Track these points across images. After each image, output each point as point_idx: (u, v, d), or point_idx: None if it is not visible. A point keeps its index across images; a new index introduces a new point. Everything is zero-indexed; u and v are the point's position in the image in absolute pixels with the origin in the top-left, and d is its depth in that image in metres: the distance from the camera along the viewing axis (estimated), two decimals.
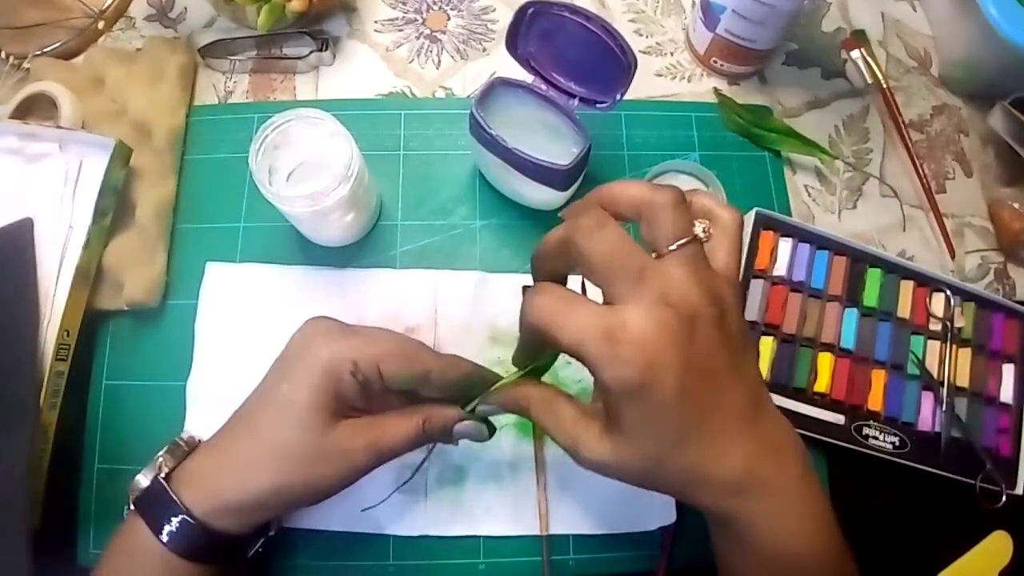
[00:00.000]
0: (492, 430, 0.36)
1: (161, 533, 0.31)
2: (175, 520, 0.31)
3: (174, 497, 0.31)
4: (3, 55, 0.51)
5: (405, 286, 0.46)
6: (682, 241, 0.27)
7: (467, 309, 0.45)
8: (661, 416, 0.27)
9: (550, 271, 0.31)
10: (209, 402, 0.42)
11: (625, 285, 0.26)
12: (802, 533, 0.30)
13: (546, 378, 0.43)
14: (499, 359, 0.44)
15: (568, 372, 0.44)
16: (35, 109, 0.48)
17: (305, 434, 0.32)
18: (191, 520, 0.31)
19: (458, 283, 0.46)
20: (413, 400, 0.35)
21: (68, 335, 0.41)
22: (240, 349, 0.43)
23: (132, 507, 0.32)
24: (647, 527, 0.42)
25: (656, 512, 0.42)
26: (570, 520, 0.42)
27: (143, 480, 0.33)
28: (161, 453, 0.34)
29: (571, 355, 0.27)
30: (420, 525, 0.41)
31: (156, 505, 0.32)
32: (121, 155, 0.45)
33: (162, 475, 0.33)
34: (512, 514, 0.41)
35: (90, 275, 0.43)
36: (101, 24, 0.53)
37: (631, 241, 0.27)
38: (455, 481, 0.42)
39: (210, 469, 0.33)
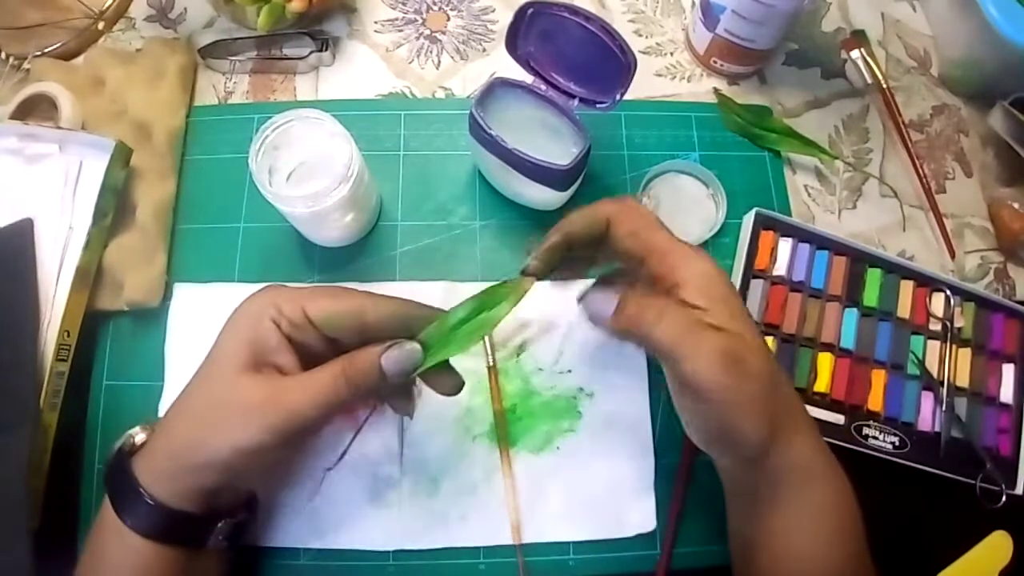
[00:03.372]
0: (460, 382, 0.34)
1: (117, 506, 0.31)
2: (127, 492, 0.31)
3: (128, 469, 0.31)
4: (3, 56, 0.51)
5: None
6: None
7: None
8: (738, 303, 0.31)
9: (575, 234, 0.33)
10: None
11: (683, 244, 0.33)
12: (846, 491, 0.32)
13: (518, 383, 0.44)
14: (471, 368, 0.42)
15: (540, 379, 0.44)
16: (35, 110, 0.48)
17: (212, 386, 0.31)
18: (141, 492, 0.31)
19: (425, 294, 0.45)
20: None
21: (68, 335, 0.41)
22: None
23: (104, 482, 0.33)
24: (624, 534, 0.42)
25: (634, 518, 0.42)
26: (546, 527, 0.41)
27: (111, 451, 0.34)
28: (134, 429, 0.34)
29: (652, 253, 0.32)
30: (394, 539, 0.41)
31: (116, 478, 0.32)
32: (121, 156, 0.45)
33: (127, 449, 0.33)
34: (488, 523, 0.41)
35: (90, 275, 0.43)
36: (101, 25, 0.53)
37: None
38: (430, 493, 0.42)
39: (152, 439, 0.33)
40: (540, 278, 0.33)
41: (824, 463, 0.32)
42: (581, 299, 0.34)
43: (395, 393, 0.36)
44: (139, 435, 0.34)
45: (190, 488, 0.31)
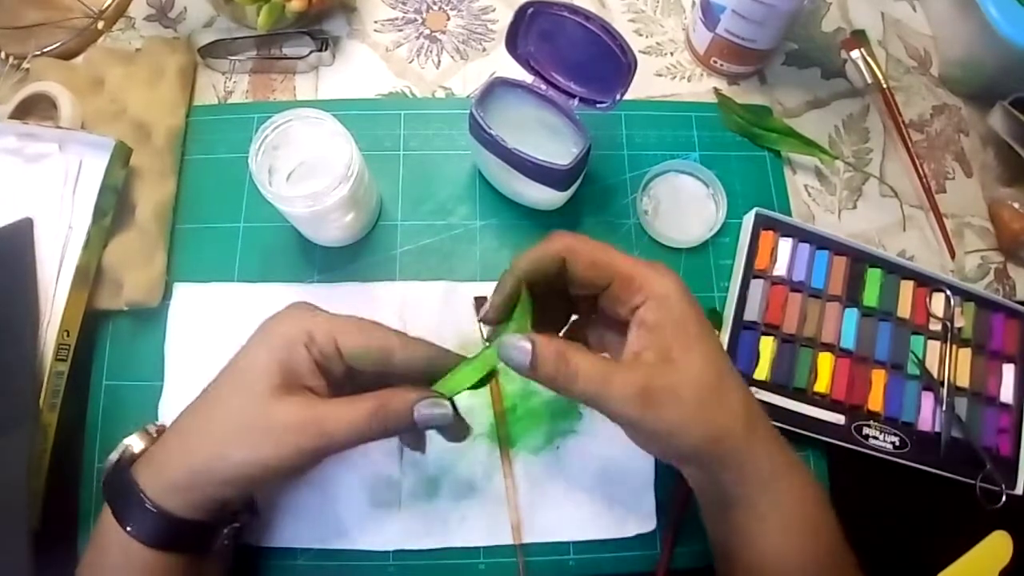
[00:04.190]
0: (468, 430, 0.36)
1: (120, 516, 0.31)
2: (131, 503, 0.31)
3: (131, 479, 0.31)
4: (3, 55, 0.51)
5: (372, 299, 0.45)
6: None
7: (435, 319, 0.45)
8: (704, 322, 0.32)
9: (529, 274, 0.32)
10: None
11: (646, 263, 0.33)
12: (816, 502, 0.32)
13: (518, 383, 0.44)
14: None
15: (514, 387, 0.44)
16: (35, 109, 0.48)
17: (244, 403, 0.31)
18: (145, 502, 0.30)
19: (425, 293, 0.45)
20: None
21: (68, 335, 0.41)
22: (212, 370, 0.41)
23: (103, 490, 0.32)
24: (624, 534, 0.42)
25: (634, 517, 0.42)
26: (546, 527, 0.41)
27: (110, 463, 0.33)
28: (130, 436, 0.34)
29: (615, 279, 0.32)
30: (394, 539, 0.41)
31: (117, 488, 0.32)
32: (121, 155, 0.45)
33: (126, 458, 0.32)
34: (488, 523, 0.41)
35: (90, 275, 0.43)
36: (101, 24, 0.53)
37: None
38: (429, 493, 0.42)
39: (161, 449, 0.32)
40: (499, 322, 0.33)
41: (785, 463, 0.32)
42: (481, 319, 0.34)
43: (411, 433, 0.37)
44: (136, 444, 0.34)
45: (206, 499, 0.31)
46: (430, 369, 0.33)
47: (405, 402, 0.31)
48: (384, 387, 0.33)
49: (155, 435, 0.35)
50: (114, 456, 0.34)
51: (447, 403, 0.32)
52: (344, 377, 0.33)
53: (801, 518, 0.32)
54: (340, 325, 0.32)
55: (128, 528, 0.31)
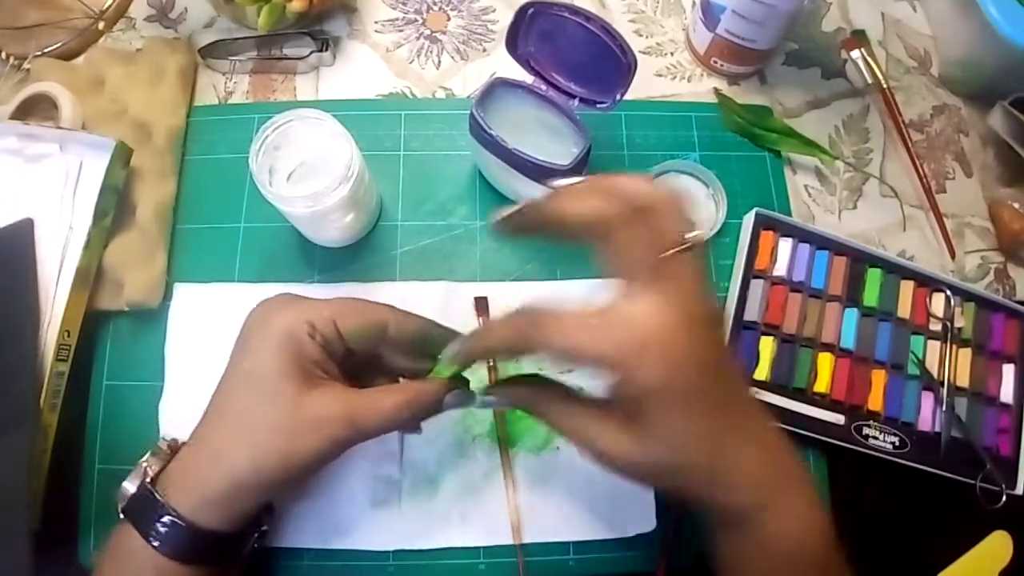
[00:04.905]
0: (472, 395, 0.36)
1: (151, 538, 0.30)
2: (164, 523, 0.30)
3: (161, 499, 0.31)
4: (3, 56, 0.51)
5: (372, 299, 0.45)
6: (684, 246, 0.28)
7: (435, 319, 0.45)
8: (687, 412, 0.28)
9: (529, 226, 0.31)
10: (183, 426, 0.41)
11: (643, 276, 0.27)
12: (812, 530, 0.31)
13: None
14: (471, 368, 0.41)
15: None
16: (35, 110, 0.48)
17: (274, 404, 0.30)
18: (179, 521, 0.30)
19: (425, 294, 0.45)
20: (386, 370, 0.35)
21: (68, 336, 0.41)
22: (213, 371, 0.39)
23: (121, 515, 0.32)
24: (624, 533, 0.42)
25: (634, 517, 0.42)
26: (546, 527, 0.41)
27: (130, 487, 0.33)
28: (145, 458, 0.34)
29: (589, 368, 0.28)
30: (394, 540, 0.41)
31: (145, 510, 0.31)
32: (121, 155, 0.45)
33: (148, 479, 0.32)
34: (488, 523, 0.41)
35: (90, 276, 0.43)
36: (101, 25, 0.53)
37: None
38: (429, 493, 0.42)
39: (189, 465, 0.32)
40: None
41: (772, 490, 0.30)
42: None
43: None
44: (154, 464, 0.34)
45: (244, 509, 0.32)
46: (422, 340, 0.35)
47: (435, 393, 0.33)
48: (376, 358, 0.35)
49: (169, 451, 0.35)
50: (135, 479, 0.33)
51: (472, 392, 0.34)
52: (344, 356, 0.33)
53: (780, 560, 0.31)
54: (336, 308, 0.33)
55: (160, 547, 0.30)
